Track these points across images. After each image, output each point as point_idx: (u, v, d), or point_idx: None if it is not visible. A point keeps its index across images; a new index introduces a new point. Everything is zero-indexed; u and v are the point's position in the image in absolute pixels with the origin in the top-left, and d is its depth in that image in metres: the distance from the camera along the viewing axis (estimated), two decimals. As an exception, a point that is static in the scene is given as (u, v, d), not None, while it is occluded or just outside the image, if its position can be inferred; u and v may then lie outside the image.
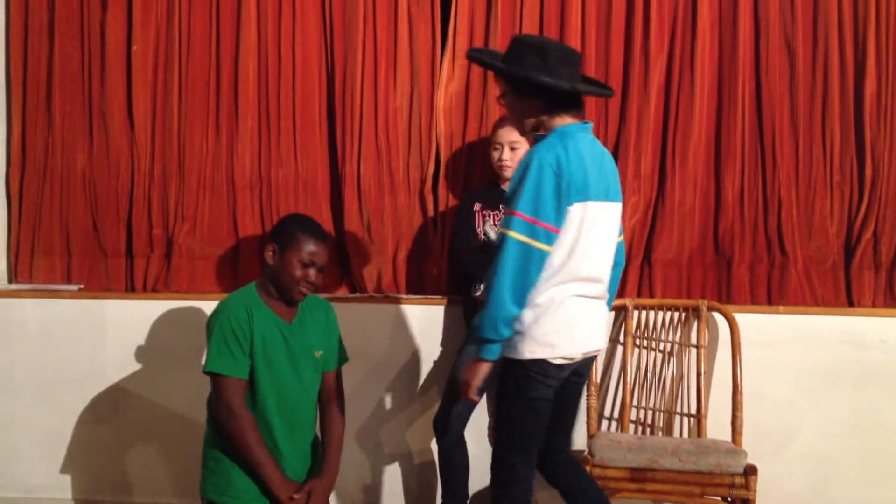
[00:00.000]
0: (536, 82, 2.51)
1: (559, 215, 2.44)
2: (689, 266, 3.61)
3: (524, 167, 2.45)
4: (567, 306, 2.52)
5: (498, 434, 2.69)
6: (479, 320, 2.45)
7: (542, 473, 2.79)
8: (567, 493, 2.81)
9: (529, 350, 2.50)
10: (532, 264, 2.41)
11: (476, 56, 2.79)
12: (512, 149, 3.34)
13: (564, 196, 2.44)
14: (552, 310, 2.50)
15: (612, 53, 3.62)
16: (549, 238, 2.43)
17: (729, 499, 3.15)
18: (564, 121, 2.56)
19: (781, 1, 3.54)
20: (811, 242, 3.53)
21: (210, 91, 3.77)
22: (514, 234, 2.40)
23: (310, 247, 2.63)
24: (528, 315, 2.48)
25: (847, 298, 3.54)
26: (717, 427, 3.40)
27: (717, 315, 3.48)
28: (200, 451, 2.70)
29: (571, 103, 2.58)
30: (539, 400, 2.56)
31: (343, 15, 3.70)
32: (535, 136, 2.60)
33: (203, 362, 2.61)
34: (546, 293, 2.49)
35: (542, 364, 2.52)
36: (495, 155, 3.37)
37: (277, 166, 3.75)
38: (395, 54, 3.70)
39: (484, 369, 2.49)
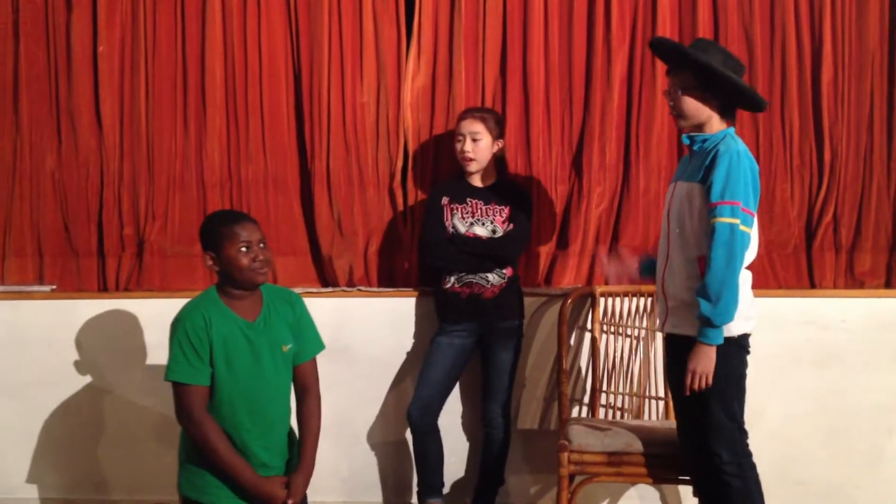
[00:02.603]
0: (737, 85, 2.76)
1: (756, 200, 2.72)
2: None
3: (726, 158, 2.67)
4: (747, 281, 2.81)
5: (714, 413, 2.78)
6: (708, 310, 2.64)
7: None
8: None
9: (738, 326, 2.75)
10: (745, 249, 2.68)
11: (674, 48, 2.94)
12: (474, 140, 3.39)
13: (756, 183, 2.73)
14: (744, 286, 2.75)
15: (575, 45, 3.66)
16: (752, 223, 2.71)
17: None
18: (724, 125, 2.82)
19: (739, -10, 3.61)
20: (773, 227, 3.60)
21: (177, 90, 3.78)
22: (739, 225, 2.64)
23: (239, 231, 2.61)
24: None
25: (809, 281, 3.63)
26: (685, 410, 3.48)
27: (683, 300, 3.55)
28: (177, 448, 2.73)
29: (735, 111, 2.86)
30: (745, 369, 2.83)
31: (308, 11, 3.72)
32: (693, 136, 2.85)
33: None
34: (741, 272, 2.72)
35: (746, 337, 2.81)
36: (458, 146, 3.42)
37: (247, 163, 3.77)
38: (360, 50, 3.73)
39: (714, 354, 2.69)
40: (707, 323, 2.66)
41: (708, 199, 2.70)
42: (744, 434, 2.83)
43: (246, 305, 2.68)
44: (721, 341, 2.69)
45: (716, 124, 2.83)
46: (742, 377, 2.81)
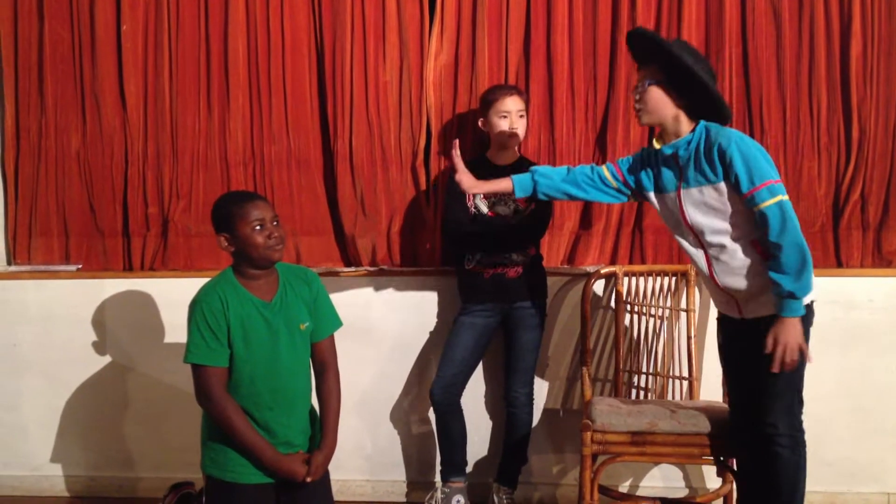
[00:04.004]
0: (705, 86, 2.72)
1: (774, 167, 2.69)
2: None
3: (734, 146, 2.66)
4: None
5: (779, 388, 2.75)
6: (792, 285, 2.61)
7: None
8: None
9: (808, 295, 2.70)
10: (795, 215, 2.65)
11: (650, 36, 2.87)
12: (520, 116, 3.39)
13: (765, 152, 2.70)
14: None
15: (600, 21, 3.62)
16: (784, 189, 2.67)
17: (722, 458, 3.20)
18: (692, 125, 2.79)
19: (767, -35, 3.56)
20: (799, 205, 3.54)
21: (200, 69, 3.79)
22: (783, 197, 2.62)
23: (252, 210, 2.61)
24: None
25: (836, 259, 3.59)
26: (709, 389, 3.46)
27: (707, 279, 3.52)
28: (200, 427, 2.74)
29: (704, 114, 2.79)
30: (809, 339, 2.75)
31: (331, -11, 3.72)
32: (674, 144, 2.80)
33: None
34: None
35: (812, 305, 2.77)
36: (504, 123, 3.38)
37: (270, 142, 3.77)
38: (383, 28, 3.71)
39: (800, 326, 2.66)
40: (790, 296, 2.63)
41: (739, 192, 2.67)
42: (801, 405, 2.80)
43: (262, 285, 2.68)
44: (803, 312, 2.67)
45: (684, 125, 2.78)
46: (806, 346, 2.76)
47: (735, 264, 2.77)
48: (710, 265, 2.83)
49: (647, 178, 2.95)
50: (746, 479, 2.91)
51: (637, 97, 2.83)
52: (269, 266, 2.67)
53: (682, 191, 2.82)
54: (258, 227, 2.61)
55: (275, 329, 2.65)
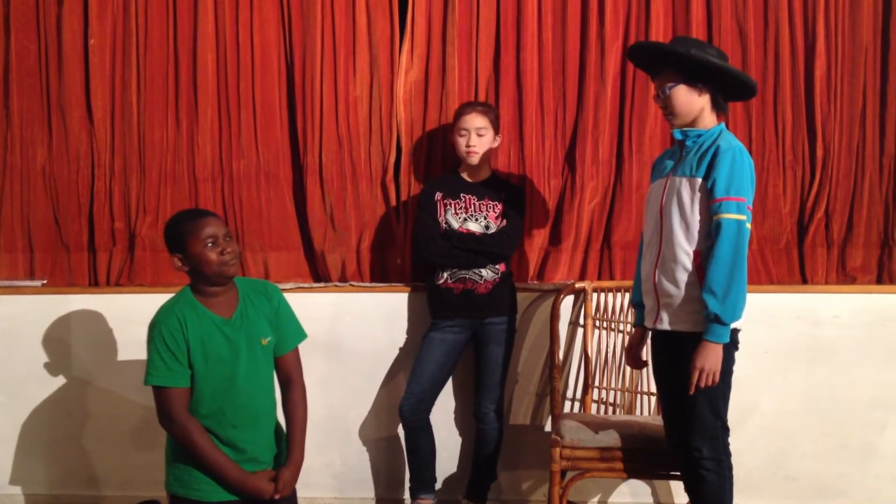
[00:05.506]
0: (721, 67, 2.73)
1: (752, 197, 2.72)
2: None
3: (729, 155, 2.67)
4: None
5: (699, 408, 2.75)
6: (717, 307, 2.62)
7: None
8: None
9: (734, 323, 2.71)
10: (747, 245, 2.67)
11: (650, 46, 2.93)
12: (479, 135, 3.39)
13: (754, 180, 2.72)
14: None
15: (569, 40, 3.65)
16: (751, 219, 2.70)
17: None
18: (714, 118, 2.82)
19: (733, -15, 3.61)
20: (765, 222, 3.61)
21: (169, 83, 3.77)
22: (745, 222, 2.64)
23: (203, 227, 2.59)
24: None
25: (801, 276, 3.63)
26: (677, 405, 3.48)
27: (675, 296, 3.54)
28: (164, 445, 2.71)
29: (724, 104, 2.83)
30: (733, 366, 2.77)
31: (301, 4, 3.71)
32: (686, 130, 2.82)
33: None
34: None
35: (736, 333, 2.76)
36: (462, 141, 3.40)
37: (238, 157, 3.76)
38: (353, 43, 3.72)
39: (721, 352, 2.67)
40: (716, 320, 2.64)
41: (711, 195, 2.68)
42: (726, 432, 2.81)
43: (222, 302, 2.66)
44: (728, 340, 2.67)
45: (707, 118, 2.81)
46: (729, 374, 2.78)
47: (673, 266, 2.77)
48: (657, 262, 2.84)
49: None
50: (691, 497, 2.92)
51: (662, 105, 2.85)
52: (225, 282, 2.65)
53: (671, 176, 2.83)
54: (210, 244, 2.58)
55: (235, 346, 2.62)
